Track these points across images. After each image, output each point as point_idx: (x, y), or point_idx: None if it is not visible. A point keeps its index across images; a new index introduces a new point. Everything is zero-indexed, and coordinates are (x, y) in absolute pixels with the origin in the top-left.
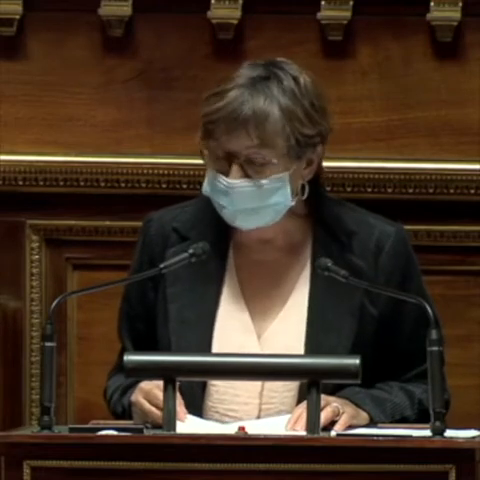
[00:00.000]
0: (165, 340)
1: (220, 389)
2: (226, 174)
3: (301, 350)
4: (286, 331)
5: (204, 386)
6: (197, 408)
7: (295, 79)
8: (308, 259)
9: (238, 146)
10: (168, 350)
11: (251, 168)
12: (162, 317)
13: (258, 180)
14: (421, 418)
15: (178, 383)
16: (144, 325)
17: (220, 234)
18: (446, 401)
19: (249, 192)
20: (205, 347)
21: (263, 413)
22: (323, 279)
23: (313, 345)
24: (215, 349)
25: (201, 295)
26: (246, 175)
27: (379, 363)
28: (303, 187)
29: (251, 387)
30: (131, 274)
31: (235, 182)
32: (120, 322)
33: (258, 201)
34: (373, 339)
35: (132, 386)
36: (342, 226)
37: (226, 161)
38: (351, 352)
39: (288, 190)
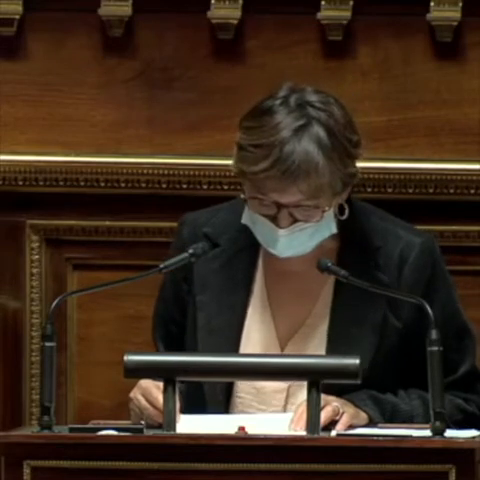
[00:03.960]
0: (192, 347)
1: (245, 402)
2: (272, 218)
3: None
4: (308, 345)
5: (229, 396)
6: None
7: (330, 117)
8: None
9: (288, 200)
10: None
11: (299, 213)
12: (191, 324)
13: (306, 223)
14: None
15: (179, 386)
16: (178, 328)
17: (250, 242)
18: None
19: (299, 235)
20: None
21: None
22: (346, 293)
23: None
24: None
25: (229, 304)
26: (294, 219)
27: (405, 373)
28: (341, 206)
29: (276, 402)
30: (166, 274)
31: (285, 232)
32: (154, 324)
33: (307, 239)
34: (397, 350)
35: None
36: (367, 241)
37: (273, 207)
38: (371, 365)
39: (333, 223)
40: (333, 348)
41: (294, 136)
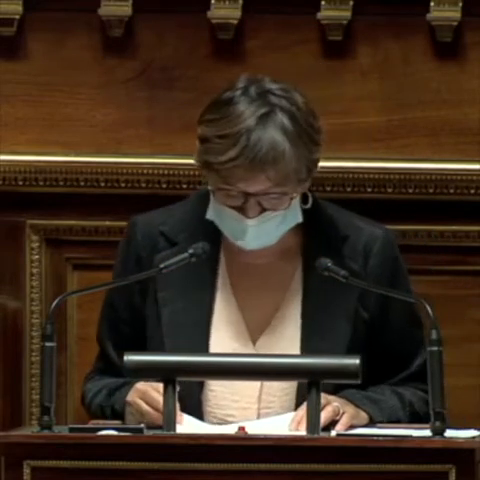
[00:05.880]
0: (157, 342)
1: (218, 394)
2: (239, 209)
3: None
4: (281, 337)
5: (201, 391)
6: (196, 413)
7: (293, 104)
8: (300, 263)
9: (256, 188)
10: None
11: (267, 202)
12: (153, 320)
13: (274, 212)
14: (412, 420)
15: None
16: (130, 328)
17: (210, 238)
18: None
19: (267, 225)
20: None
21: (262, 417)
22: (315, 283)
23: (308, 350)
24: None
25: (194, 301)
26: (262, 208)
27: (370, 366)
28: (304, 195)
29: (249, 392)
30: (114, 278)
31: (254, 221)
32: (101, 327)
33: (275, 229)
34: (365, 343)
35: (118, 389)
36: (335, 231)
37: (241, 197)
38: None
39: (299, 211)
40: (307, 340)
41: (259, 124)
